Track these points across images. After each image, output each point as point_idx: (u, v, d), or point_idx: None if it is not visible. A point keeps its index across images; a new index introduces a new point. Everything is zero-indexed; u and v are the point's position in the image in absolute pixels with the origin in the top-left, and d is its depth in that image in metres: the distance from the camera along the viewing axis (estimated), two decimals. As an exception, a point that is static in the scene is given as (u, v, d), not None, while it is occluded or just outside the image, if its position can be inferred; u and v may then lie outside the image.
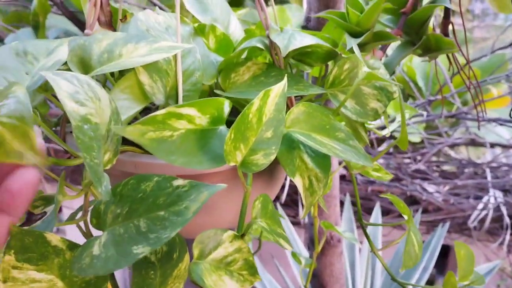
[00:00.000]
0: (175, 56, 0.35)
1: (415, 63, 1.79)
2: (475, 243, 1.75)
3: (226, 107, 0.33)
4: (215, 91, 0.39)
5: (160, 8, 0.96)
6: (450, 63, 0.52)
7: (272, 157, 0.33)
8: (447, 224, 1.42)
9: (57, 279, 0.28)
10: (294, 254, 0.82)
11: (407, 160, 1.71)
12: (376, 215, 1.45)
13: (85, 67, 0.32)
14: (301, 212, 1.52)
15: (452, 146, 1.75)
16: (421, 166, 1.67)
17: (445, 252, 2.02)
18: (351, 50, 0.43)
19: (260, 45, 0.40)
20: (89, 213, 0.33)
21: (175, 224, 0.26)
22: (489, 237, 1.72)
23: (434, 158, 1.77)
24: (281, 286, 1.40)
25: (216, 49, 0.48)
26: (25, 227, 0.27)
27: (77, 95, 0.26)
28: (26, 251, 0.27)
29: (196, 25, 0.43)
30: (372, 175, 0.57)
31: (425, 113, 1.22)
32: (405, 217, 0.50)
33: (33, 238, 0.27)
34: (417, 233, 0.46)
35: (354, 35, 0.45)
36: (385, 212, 1.72)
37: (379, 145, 1.83)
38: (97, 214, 0.30)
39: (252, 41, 0.41)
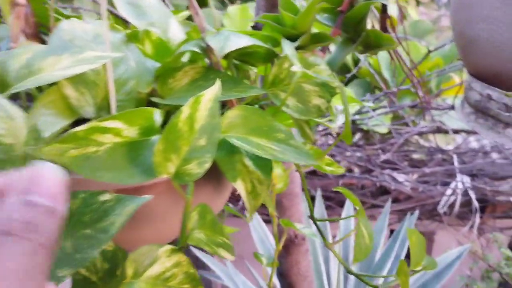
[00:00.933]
0: (105, 66, 0.34)
1: (380, 56, 1.81)
2: (446, 228, 1.78)
3: (157, 116, 0.32)
4: (151, 99, 0.38)
5: (109, 11, 0.94)
6: (391, 55, 0.53)
7: (207, 165, 0.32)
8: (416, 213, 1.44)
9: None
10: (256, 255, 0.82)
11: (377, 152, 1.73)
12: (348, 207, 1.46)
13: (1, 85, 0.31)
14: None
15: (419, 134, 1.77)
16: (390, 156, 1.69)
17: (419, 239, 2.05)
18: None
19: (196, 49, 0.39)
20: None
21: (101, 241, 0.25)
22: (460, 222, 1.76)
23: (404, 148, 1.80)
24: (253, 284, 1.40)
25: (154, 55, 0.47)
26: None
27: None
28: None
29: (128, 31, 0.42)
30: (325, 169, 0.56)
31: (382, 104, 1.23)
32: (357, 208, 0.51)
33: None
34: (367, 225, 0.46)
35: (291, 38, 0.44)
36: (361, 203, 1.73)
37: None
38: None
39: (188, 45, 0.40)
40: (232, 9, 1.64)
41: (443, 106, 1.30)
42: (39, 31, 0.38)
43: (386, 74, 1.79)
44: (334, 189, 0.53)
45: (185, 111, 0.30)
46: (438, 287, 1.35)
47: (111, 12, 0.95)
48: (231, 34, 0.39)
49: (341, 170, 0.55)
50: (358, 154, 1.74)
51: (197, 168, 0.31)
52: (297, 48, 0.44)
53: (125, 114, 0.30)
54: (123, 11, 0.43)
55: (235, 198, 1.53)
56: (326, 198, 1.66)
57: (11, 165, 0.25)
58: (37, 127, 0.28)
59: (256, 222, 1.41)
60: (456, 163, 1.68)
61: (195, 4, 0.39)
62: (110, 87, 0.34)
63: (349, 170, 1.76)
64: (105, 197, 0.27)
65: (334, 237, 1.51)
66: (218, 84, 0.33)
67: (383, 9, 0.49)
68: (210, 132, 0.32)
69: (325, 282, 1.30)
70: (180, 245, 0.33)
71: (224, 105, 0.43)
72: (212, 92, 0.32)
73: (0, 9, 0.40)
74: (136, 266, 0.30)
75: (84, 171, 0.28)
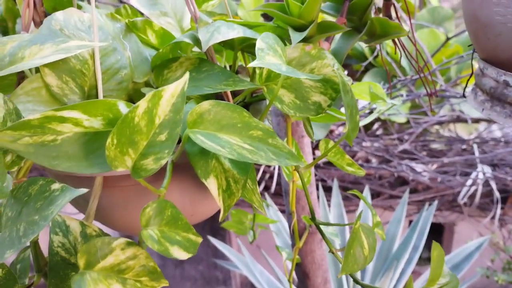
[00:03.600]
0: (93, 56, 0.34)
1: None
2: (467, 219, 1.74)
3: (122, 108, 0.31)
4: (141, 89, 0.37)
5: (120, 1, 0.94)
6: (395, 44, 0.51)
7: (163, 161, 0.31)
8: (435, 203, 1.42)
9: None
10: (278, 247, 0.82)
11: (396, 142, 1.70)
12: (366, 197, 1.45)
13: (-15, 71, 0.31)
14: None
15: (438, 124, 1.74)
16: (408, 146, 1.66)
17: (439, 230, 2.02)
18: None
19: (189, 40, 0.39)
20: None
21: (38, 228, 0.26)
22: (481, 213, 1.72)
23: (422, 137, 1.76)
24: (272, 275, 1.40)
25: (159, 44, 0.46)
26: None
27: None
28: None
29: (127, 20, 0.42)
30: (347, 170, 0.55)
31: (398, 102, 1.20)
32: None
33: None
34: (370, 235, 0.43)
35: (298, 28, 0.43)
36: (376, 195, 1.72)
37: (368, 129, 1.82)
38: None
39: (184, 36, 0.40)
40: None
41: (450, 92, 1.26)
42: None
43: (404, 62, 1.76)
44: (350, 192, 0.52)
45: (142, 105, 0.29)
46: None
47: (126, 3, 0.95)
48: (223, 25, 0.38)
49: (361, 173, 0.53)
50: (376, 144, 1.71)
51: (153, 163, 0.31)
52: (305, 39, 0.42)
53: (84, 104, 0.30)
54: (134, 0, 0.43)
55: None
56: (343, 188, 1.65)
57: None
58: (18, 111, 0.29)
59: (272, 212, 1.41)
60: (476, 153, 1.64)
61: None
62: (98, 76, 0.34)
63: (367, 161, 1.74)
64: (55, 186, 0.28)
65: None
66: (185, 78, 0.31)
67: (387, -5, 0.47)
68: (171, 128, 0.31)
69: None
70: (139, 240, 0.32)
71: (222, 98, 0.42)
72: (177, 87, 0.31)
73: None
74: (88, 258, 0.30)
75: (38, 158, 0.28)
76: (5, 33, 1.21)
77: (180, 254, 0.32)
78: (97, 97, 0.34)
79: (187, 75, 0.31)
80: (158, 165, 0.31)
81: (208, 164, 0.34)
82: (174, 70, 0.39)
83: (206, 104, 0.34)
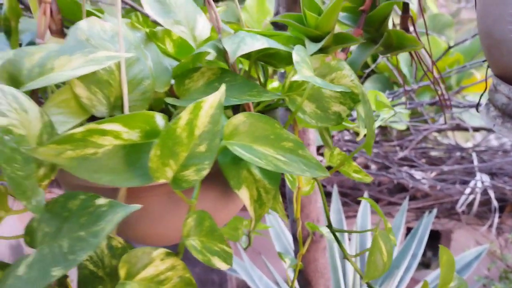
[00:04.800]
0: (119, 66, 0.34)
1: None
2: (464, 227, 1.75)
3: (159, 120, 0.32)
4: (165, 99, 0.37)
5: (133, 8, 0.93)
6: (412, 56, 0.51)
7: (205, 172, 0.31)
8: (434, 211, 1.42)
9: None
10: (280, 254, 0.82)
11: (395, 148, 1.71)
12: (365, 204, 1.45)
13: (15, 83, 0.31)
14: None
15: (438, 131, 1.75)
16: (408, 153, 1.66)
17: (437, 237, 2.03)
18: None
19: (212, 50, 0.39)
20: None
21: (91, 246, 0.26)
22: (478, 221, 1.73)
23: (421, 145, 1.77)
24: (270, 279, 1.40)
25: (176, 54, 0.46)
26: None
27: None
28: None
29: (148, 30, 0.42)
30: (353, 176, 0.55)
31: (403, 109, 1.21)
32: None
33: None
34: (387, 241, 0.44)
35: (314, 39, 0.43)
36: (375, 201, 1.72)
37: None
38: (31, 231, 0.29)
39: (206, 46, 0.40)
40: (249, 1, 1.62)
41: (463, 103, 1.27)
42: (63, 28, 0.38)
43: (405, 70, 1.76)
44: (359, 198, 0.52)
45: (184, 117, 0.30)
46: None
47: (138, 10, 0.95)
48: (247, 36, 0.38)
49: (368, 179, 0.54)
50: (375, 150, 1.72)
51: (194, 174, 0.31)
52: (321, 50, 0.42)
53: (124, 117, 0.30)
54: (148, 8, 0.42)
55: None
56: (342, 194, 1.65)
57: (20, 155, 0.25)
58: (52, 123, 0.28)
59: (272, 218, 1.41)
60: (475, 162, 1.65)
61: (212, 3, 0.38)
62: (123, 87, 0.34)
63: (366, 167, 1.74)
64: (100, 201, 0.27)
65: (321, 236, 1.50)
66: (222, 90, 0.32)
67: (405, 8, 0.47)
68: (210, 139, 0.31)
69: (342, 279, 1.30)
70: (179, 250, 0.32)
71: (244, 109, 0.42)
72: (215, 99, 0.31)
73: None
74: (129, 268, 0.30)
75: (80, 172, 0.28)
76: (8, 32, 1.20)
77: (221, 265, 0.33)
78: (122, 108, 0.34)
79: (223, 86, 0.31)
80: (199, 176, 0.31)
81: (240, 174, 0.35)
82: (195, 80, 0.39)
83: (241, 116, 0.34)
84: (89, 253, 0.25)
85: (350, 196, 1.71)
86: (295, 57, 0.36)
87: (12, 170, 0.25)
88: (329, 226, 0.48)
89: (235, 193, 0.42)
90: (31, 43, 1.32)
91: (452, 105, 1.04)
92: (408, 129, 1.72)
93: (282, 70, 0.61)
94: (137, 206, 0.27)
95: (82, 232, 0.27)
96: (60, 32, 0.41)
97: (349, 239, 1.43)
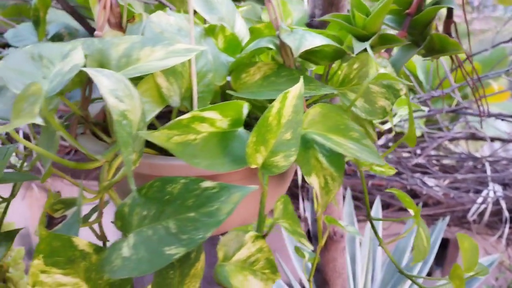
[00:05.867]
0: (189, 59, 0.35)
1: (415, 57, 1.79)
2: (474, 236, 1.76)
3: (245, 109, 0.34)
4: (227, 91, 0.39)
5: (162, 4, 0.95)
6: (452, 60, 0.53)
7: (293, 159, 0.33)
8: (447, 218, 1.43)
9: (82, 282, 0.29)
10: (297, 249, 0.83)
11: (407, 154, 1.72)
12: (377, 209, 1.46)
13: (105, 72, 0.32)
14: (301, 206, 1.53)
15: (452, 140, 1.76)
16: (421, 160, 1.67)
17: (444, 244, 2.03)
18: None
19: (271, 46, 0.40)
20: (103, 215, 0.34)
21: (208, 225, 0.27)
22: (488, 231, 1.74)
23: (434, 152, 1.78)
24: (282, 279, 1.41)
25: (224, 49, 0.48)
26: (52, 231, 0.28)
27: (116, 91, 0.27)
28: (53, 255, 0.28)
29: (206, 25, 0.43)
30: (375, 170, 0.57)
31: (426, 108, 1.22)
32: (411, 211, 0.51)
33: (61, 242, 0.28)
34: (425, 227, 0.46)
35: (361, 38, 0.45)
36: (385, 206, 1.73)
37: (378, 138, 1.83)
38: (122, 216, 0.30)
39: (262, 41, 0.41)
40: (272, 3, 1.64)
41: (504, 114, 1.28)
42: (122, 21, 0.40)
43: (422, 77, 1.78)
44: (387, 190, 0.54)
45: (276, 105, 0.32)
46: (466, 295, 1.33)
47: (166, 5, 0.96)
48: (306, 33, 0.40)
49: (392, 171, 0.55)
50: (389, 156, 1.73)
51: (283, 160, 0.33)
52: (365, 49, 0.44)
53: (220, 106, 0.32)
54: (197, 5, 0.44)
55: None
56: (353, 198, 1.66)
57: (132, 140, 0.27)
58: (144, 111, 0.30)
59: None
60: (488, 171, 1.66)
61: (273, 2, 0.40)
62: (193, 79, 0.36)
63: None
64: (207, 184, 0.29)
65: (341, 236, 1.51)
66: (301, 81, 0.34)
67: (449, 13, 0.49)
68: (294, 127, 0.33)
69: (351, 282, 1.31)
70: (260, 231, 0.34)
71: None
72: (297, 90, 0.33)
73: None
74: (226, 250, 0.32)
75: (185, 156, 0.30)
76: (37, 22, 1.23)
77: (307, 244, 0.35)
78: (190, 99, 0.36)
79: (301, 80, 0.33)
80: (288, 162, 0.33)
81: (309, 162, 0.36)
82: (252, 74, 0.41)
83: (317, 107, 0.36)
84: (208, 233, 0.27)
85: (362, 200, 1.72)
86: (372, 54, 0.40)
87: (127, 154, 0.26)
88: (368, 214, 0.50)
89: (283, 181, 0.44)
90: (58, 34, 1.34)
91: (490, 114, 1.05)
92: (422, 135, 1.73)
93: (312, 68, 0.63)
94: (254, 187, 0.28)
95: (192, 213, 0.28)
96: (118, 25, 0.43)
97: (360, 244, 1.44)
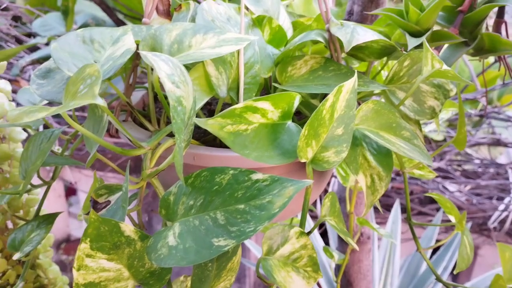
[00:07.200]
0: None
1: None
2: (494, 244, 1.73)
3: (297, 101, 0.33)
4: (273, 84, 0.38)
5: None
6: (500, 61, 0.51)
7: (344, 155, 0.32)
8: (469, 224, 1.41)
9: (125, 269, 0.28)
10: (325, 249, 0.82)
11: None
12: (396, 212, 1.44)
13: (157, 57, 0.32)
14: (318, 206, 1.52)
15: (475, 145, 1.73)
16: (443, 164, 1.65)
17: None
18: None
19: (319, 39, 0.39)
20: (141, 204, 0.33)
21: (260, 218, 0.26)
22: (508, 239, 1.70)
23: (458, 157, 1.75)
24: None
25: (269, 41, 0.47)
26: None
27: (173, 76, 0.26)
28: (100, 239, 0.27)
29: (254, 16, 0.42)
30: (413, 173, 0.56)
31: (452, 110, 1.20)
32: (452, 218, 0.50)
33: (109, 227, 0.27)
34: (468, 234, 0.45)
35: (413, 34, 0.44)
36: (404, 210, 1.71)
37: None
38: (167, 205, 0.30)
39: (311, 34, 0.40)
40: (297, 1, 1.63)
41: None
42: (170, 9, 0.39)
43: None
44: (426, 194, 0.53)
45: (330, 99, 0.31)
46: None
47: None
48: (357, 27, 0.39)
49: (432, 176, 0.54)
50: (410, 159, 1.71)
51: (335, 156, 0.32)
52: (419, 45, 0.43)
53: (274, 97, 0.31)
54: None
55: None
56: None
57: (185, 128, 0.26)
58: (195, 99, 0.29)
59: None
60: (511, 178, 1.63)
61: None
62: (241, 69, 0.35)
63: (398, 174, 1.73)
64: (258, 176, 0.28)
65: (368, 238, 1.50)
66: (355, 76, 0.33)
67: (500, 12, 0.47)
68: (347, 123, 0.32)
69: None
70: (302, 227, 0.33)
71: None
72: (351, 84, 0.32)
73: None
74: (270, 244, 0.31)
75: (235, 147, 0.29)
76: (66, 12, 1.23)
77: (353, 244, 0.35)
78: (237, 90, 0.35)
79: (355, 74, 0.32)
80: (339, 158, 0.32)
81: (356, 160, 0.35)
82: (298, 68, 0.40)
83: (370, 103, 0.35)
84: (260, 226, 0.26)
85: (381, 203, 1.70)
86: (430, 50, 0.38)
87: (180, 141, 0.26)
88: (409, 219, 0.48)
89: (324, 177, 0.43)
90: (85, 24, 1.35)
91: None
92: (444, 140, 1.70)
93: (356, 65, 0.62)
94: (308, 182, 0.27)
95: (241, 205, 0.27)
96: (166, 12, 0.42)
97: (378, 246, 1.42)
